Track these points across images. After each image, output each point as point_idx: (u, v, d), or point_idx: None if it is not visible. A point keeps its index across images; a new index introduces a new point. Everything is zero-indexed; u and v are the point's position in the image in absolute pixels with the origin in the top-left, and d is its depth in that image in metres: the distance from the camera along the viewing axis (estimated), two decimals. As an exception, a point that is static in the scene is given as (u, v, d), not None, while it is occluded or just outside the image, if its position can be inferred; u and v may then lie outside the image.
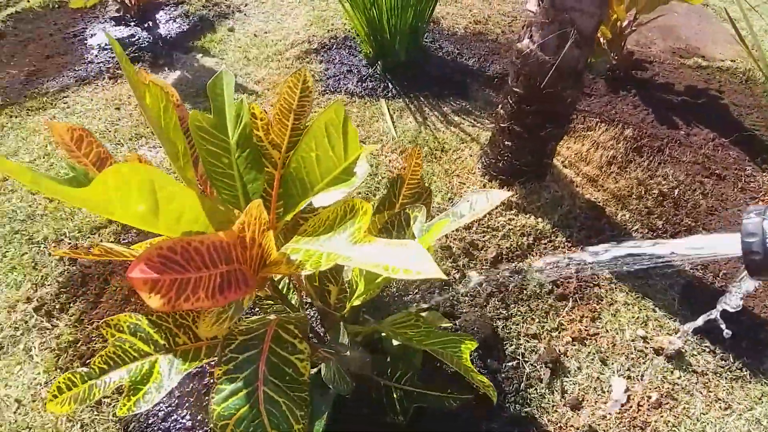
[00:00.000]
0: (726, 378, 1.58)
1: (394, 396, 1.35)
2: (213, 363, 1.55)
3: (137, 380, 1.00)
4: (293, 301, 1.33)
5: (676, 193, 2.10)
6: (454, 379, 1.52)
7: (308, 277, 1.28)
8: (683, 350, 1.62)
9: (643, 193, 2.07)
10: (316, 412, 1.34)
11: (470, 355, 1.02)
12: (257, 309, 1.52)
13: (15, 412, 1.55)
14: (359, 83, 2.47)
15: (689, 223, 2.00)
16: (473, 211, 1.12)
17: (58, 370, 1.62)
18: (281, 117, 1.09)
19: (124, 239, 1.96)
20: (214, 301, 0.76)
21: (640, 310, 1.70)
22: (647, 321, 1.68)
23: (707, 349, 1.64)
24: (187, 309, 0.79)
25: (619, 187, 2.07)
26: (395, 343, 1.39)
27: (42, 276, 1.85)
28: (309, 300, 1.51)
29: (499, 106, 1.80)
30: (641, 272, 1.80)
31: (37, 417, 1.53)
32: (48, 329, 1.71)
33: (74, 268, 1.86)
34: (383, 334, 1.40)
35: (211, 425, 0.82)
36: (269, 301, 1.32)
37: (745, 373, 1.59)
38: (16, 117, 2.48)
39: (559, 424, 1.45)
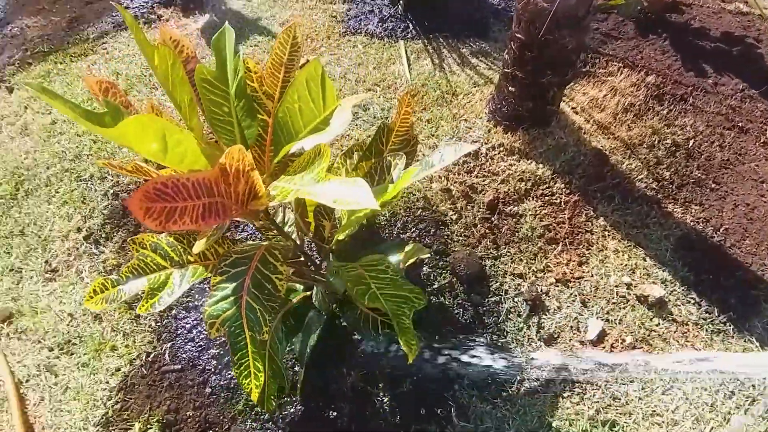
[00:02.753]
0: (707, 330, 1.64)
1: (369, 320, 1.49)
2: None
3: (154, 287, 1.24)
4: (293, 236, 1.48)
5: (690, 144, 2.08)
6: (434, 309, 1.66)
7: (301, 212, 1.42)
8: (667, 299, 1.69)
9: (655, 142, 2.06)
10: (313, 327, 1.52)
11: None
12: (262, 237, 1.71)
13: (68, 325, 1.81)
14: (380, 23, 2.50)
15: (699, 175, 1.99)
16: (442, 161, 1.21)
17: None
18: (273, 70, 1.21)
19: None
20: (197, 225, 0.95)
21: (630, 258, 1.76)
22: (635, 269, 1.74)
23: (692, 301, 1.70)
24: (175, 230, 0.95)
25: (630, 135, 2.06)
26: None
27: (90, 209, 2.08)
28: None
29: (505, 51, 1.82)
30: (638, 221, 1.85)
31: (87, 328, 1.79)
32: (96, 255, 1.96)
33: (116, 202, 2.08)
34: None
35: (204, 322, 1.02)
36: (271, 232, 1.47)
37: (729, 327, 1.64)
38: (60, 63, 2.67)
39: (530, 355, 1.58)
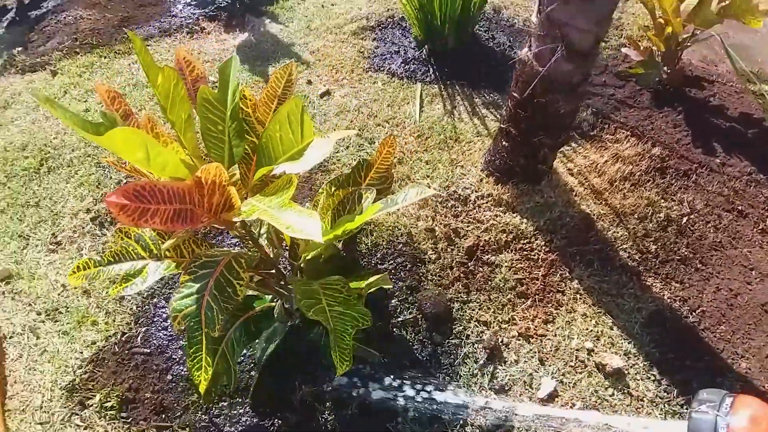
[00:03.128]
0: (661, 409, 1.64)
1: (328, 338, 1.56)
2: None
3: (130, 274, 1.35)
4: (267, 248, 1.57)
5: (684, 220, 2.09)
6: (394, 340, 1.72)
7: (276, 228, 1.51)
8: (626, 371, 1.69)
9: (648, 214, 2.07)
10: (275, 336, 1.60)
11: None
12: (240, 244, 1.82)
13: (59, 294, 1.94)
14: (403, 64, 2.61)
15: (686, 253, 2.00)
16: (404, 201, 1.29)
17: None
18: (267, 100, 1.34)
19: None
20: (166, 226, 1.08)
21: (597, 324, 1.78)
22: (600, 336, 1.75)
23: (652, 378, 1.69)
24: (146, 227, 1.06)
25: (623, 204, 2.09)
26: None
27: (102, 194, 2.24)
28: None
29: (504, 109, 1.89)
30: (614, 290, 1.86)
31: (74, 301, 1.92)
32: (98, 236, 2.11)
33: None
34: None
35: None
36: (247, 242, 1.57)
37: (685, 410, 1.62)
38: (105, 58, 2.88)
39: (478, 403, 1.61)
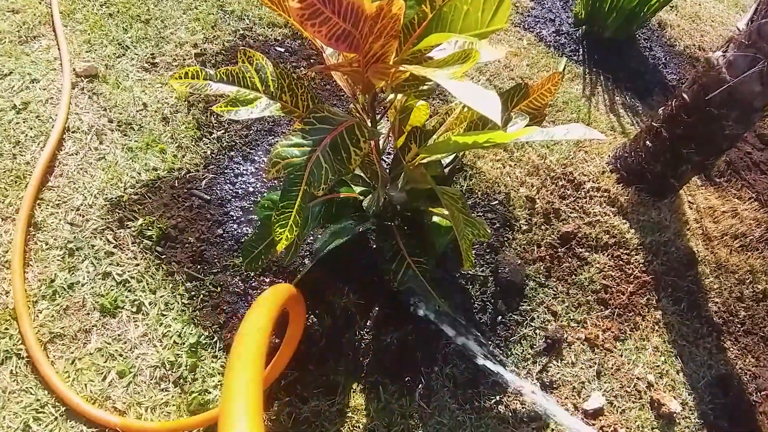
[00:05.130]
0: (699, 471, 1.50)
1: (401, 267, 1.43)
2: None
3: (239, 99, 1.22)
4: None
5: (780, 304, 1.92)
6: (458, 290, 1.59)
7: (401, 120, 1.38)
8: (678, 420, 1.55)
9: (747, 281, 1.91)
10: (343, 233, 1.48)
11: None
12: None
13: (138, 111, 1.86)
14: (554, 34, 2.44)
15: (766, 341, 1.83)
16: (565, 135, 1.14)
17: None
18: None
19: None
20: (328, 41, 0.95)
21: (665, 363, 1.63)
22: (664, 375, 1.61)
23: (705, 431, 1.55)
24: (308, 32, 0.93)
25: (728, 260, 1.92)
26: (435, 219, 1.46)
27: (214, 35, 2.12)
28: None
29: (662, 107, 1.72)
30: (691, 337, 1.71)
31: (151, 122, 1.83)
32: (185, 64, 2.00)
33: (241, 42, 2.11)
34: (431, 209, 1.48)
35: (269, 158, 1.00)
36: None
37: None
38: None
39: (520, 390, 1.48)
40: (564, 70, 2.28)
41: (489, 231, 1.13)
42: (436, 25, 1.16)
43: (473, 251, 1.65)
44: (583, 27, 2.46)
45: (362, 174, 1.40)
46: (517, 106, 1.36)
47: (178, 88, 1.20)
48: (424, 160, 1.37)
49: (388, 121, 1.46)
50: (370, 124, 1.32)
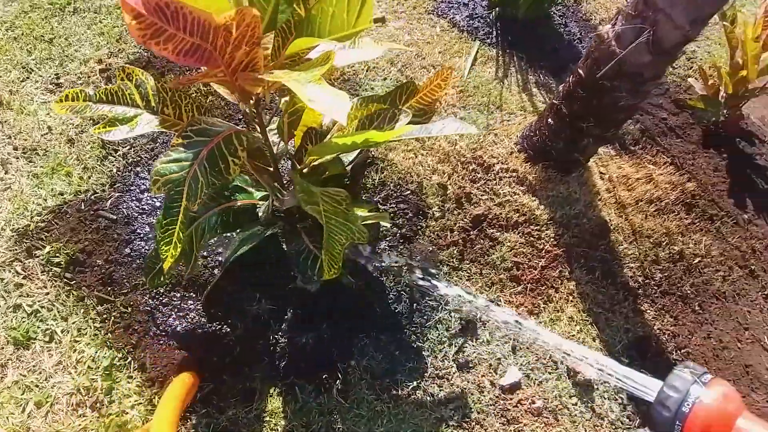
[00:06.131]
0: (619, 432, 1.56)
1: (306, 265, 1.43)
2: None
3: (119, 119, 1.22)
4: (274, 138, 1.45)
5: (696, 261, 1.98)
6: (374, 282, 1.61)
7: (291, 122, 1.39)
8: (596, 386, 1.60)
9: (663, 243, 1.97)
10: (250, 239, 1.49)
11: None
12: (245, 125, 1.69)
13: (42, 135, 1.85)
14: (467, 18, 2.46)
15: (688, 292, 1.90)
16: (441, 131, 1.17)
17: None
18: None
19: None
20: (176, 57, 0.93)
21: (581, 331, 1.68)
22: (579, 343, 1.66)
23: (619, 400, 1.61)
24: (154, 50, 0.93)
25: (643, 225, 1.98)
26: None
27: (119, 49, 2.10)
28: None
29: (561, 85, 1.76)
30: (607, 303, 1.76)
31: (56, 146, 1.83)
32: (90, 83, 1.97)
33: (146, 54, 2.08)
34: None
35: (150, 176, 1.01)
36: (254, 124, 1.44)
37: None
38: None
39: (436, 371, 1.51)
40: (476, 55, 2.30)
41: (367, 234, 1.14)
42: (307, 29, 1.18)
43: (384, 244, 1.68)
44: (497, 9, 2.49)
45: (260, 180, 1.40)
46: (407, 102, 1.38)
47: (59, 112, 1.20)
48: (316, 162, 1.39)
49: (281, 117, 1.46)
50: (259, 130, 1.33)
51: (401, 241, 1.69)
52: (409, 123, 1.27)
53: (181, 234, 1.07)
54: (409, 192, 1.79)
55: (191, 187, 1.02)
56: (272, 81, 0.97)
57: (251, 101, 1.20)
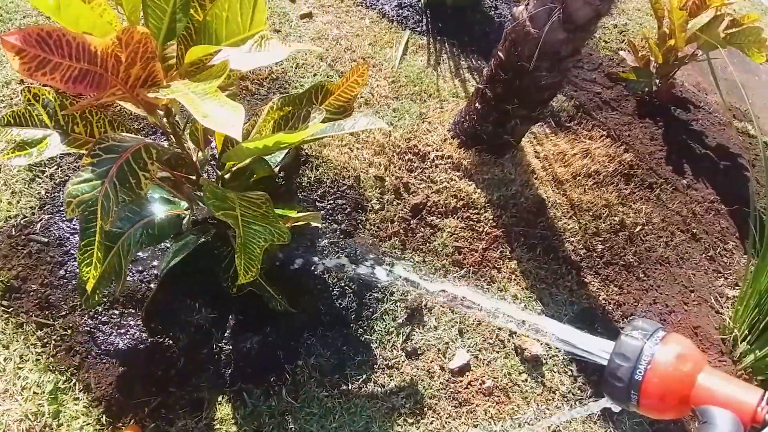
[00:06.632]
0: (570, 404, 1.59)
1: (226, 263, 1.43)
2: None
3: (28, 142, 1.19)
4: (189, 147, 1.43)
5: (637, 229, 2.04)
6: (317, 282, 1.61)
7: (206, 128, 1.38)
8: (544, 361, 1.63)
9: (603, 215, 2.01)
10: (183, 249, 1.47)
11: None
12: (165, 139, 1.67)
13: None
14: (396, 8, 2.47)
15: (631, 260, 1.95)
16: (352, 127, 1.19)
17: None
18: None
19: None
20: (67, 86, 0.92)
21: (526, 308, 1.71)
22: (525, 320, 1.69)
23: (570, 373, 1.65)
24: (42, 81, 0.91)
25: (581, 199, 2.02)
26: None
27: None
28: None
29: (485, 68, 1.78)
30: (550, 279, 1.80)
31: None
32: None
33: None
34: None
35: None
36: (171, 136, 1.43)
37: (597, 413, 1.58)
38: None
39: (386, 362, 1.52)
40: (407, 44, 2.32)
41: (289, 235, 1.14)
42: (205, 35, 1.17)
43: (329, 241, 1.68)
44: (425, -3, 2.50)
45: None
46: (324, 102, 1.38)
47: (-35, 141, 1.17)
48: (234, 168, 1.38)
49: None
50: (173, 139, 1.32)
51: (341, 237, 1.69)
52: (327, 120, 1.28)
53: (99, 254, 1.06)
54: (346, 187, 1.79)
55: (104, 207, 1.01)
56: (167, 97, 0.96)
57: (160, 113, 1.19)
